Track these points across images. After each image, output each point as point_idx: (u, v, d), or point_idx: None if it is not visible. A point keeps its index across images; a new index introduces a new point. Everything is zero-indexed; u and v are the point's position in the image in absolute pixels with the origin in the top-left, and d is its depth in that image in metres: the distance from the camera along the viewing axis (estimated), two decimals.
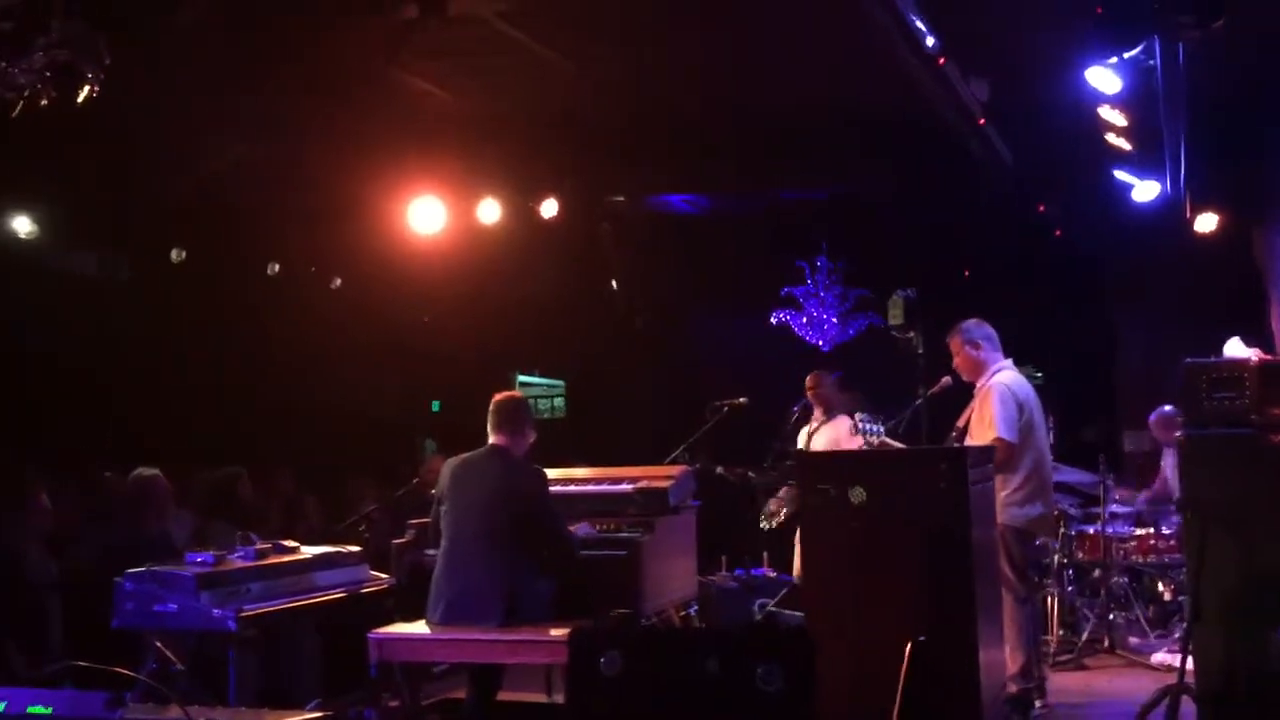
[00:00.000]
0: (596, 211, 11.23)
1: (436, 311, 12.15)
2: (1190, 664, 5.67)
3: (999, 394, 6.04)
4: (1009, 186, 9.88)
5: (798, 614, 6.86)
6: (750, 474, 8.75)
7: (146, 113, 7.30)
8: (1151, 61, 6.06)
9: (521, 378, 13.24)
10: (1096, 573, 8.09)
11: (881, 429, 5.64)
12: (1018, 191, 10.06)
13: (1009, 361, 6.32)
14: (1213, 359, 5.84)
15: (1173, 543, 7.85)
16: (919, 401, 5.92)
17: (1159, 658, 7.45)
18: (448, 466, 5.63)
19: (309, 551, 5.97)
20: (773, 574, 8.55)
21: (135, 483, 6.75)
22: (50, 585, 6.11)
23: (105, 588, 5.39)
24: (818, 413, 8.26)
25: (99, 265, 9.48)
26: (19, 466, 7.28)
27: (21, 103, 4.54)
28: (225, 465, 8.99)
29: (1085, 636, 7.78)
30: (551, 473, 5.83)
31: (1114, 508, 8.11)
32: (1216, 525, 5.41)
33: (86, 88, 4.72)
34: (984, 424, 6.03)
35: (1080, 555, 8.09)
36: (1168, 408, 8.60)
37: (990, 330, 6.32)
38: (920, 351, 5.68)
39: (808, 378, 8.37)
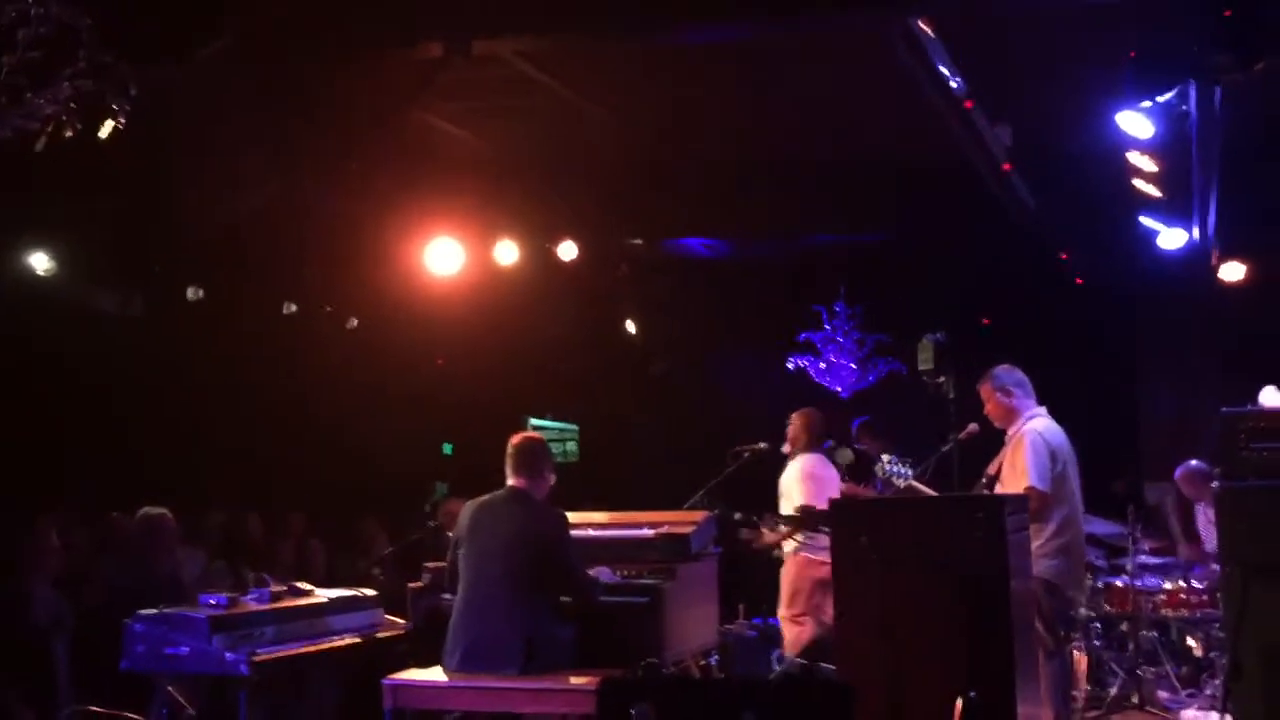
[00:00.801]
0: (615, 254, 11.18)
1: (451, 353, 12.08)
2: None
3: (1031, 442, 5.90)
4: (1032, 233, 9.82)
5: (828, 666, 6.71)
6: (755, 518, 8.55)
7: (167, 150, 7.28)
8: (1185, 106, 6.00)
9: (534, 421, 13.13)
10: (1124, 626, 7.92)
11: (910, 472, 5.53)
12: (1040, 238, 9.99)
13: (1043, 409, 6.17)
14: (1250, 408, 5.74)
15: (1204, 597, 7.67)
16: (946, 447, 5.80)
17: (1189, 715, 7.27)
18: (466, 509, 5.51)
19: (323, 594, 5.87)
20: None
21: (142, 522, 6.67)
22: (56, 626, 6.01)
23: (112, 629, 5.29)
24: (786, 448, 8.03)
25: (116, 303, 9.43)
26: (30, 505, 7.21)
27: (45, 135, 4.50)
28: (237, 505, 8.95)
29: (1114, 692, 7.59)
30: (571, 517, 5.70)
31: (1142, 559, 7.95)
32: (1257, 579, 5.28)
33: (111, 121, 4.68)
34: (1016, 472, 5.89)
35: (1108, 608, 7.92)
36: (1194, 462, 8.45)
37: (1022, 376, 6.19)
38: (951, 396, 5.56)
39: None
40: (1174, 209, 7.77)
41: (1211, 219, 7.73)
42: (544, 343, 11.76)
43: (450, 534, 5.68)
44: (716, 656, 6.46)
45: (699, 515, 6.17)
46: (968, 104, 7.08)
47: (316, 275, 10.19)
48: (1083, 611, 7.69)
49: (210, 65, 6.32)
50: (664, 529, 5.93)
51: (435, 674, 5.27)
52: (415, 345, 11.66)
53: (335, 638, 5.63)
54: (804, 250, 11.35)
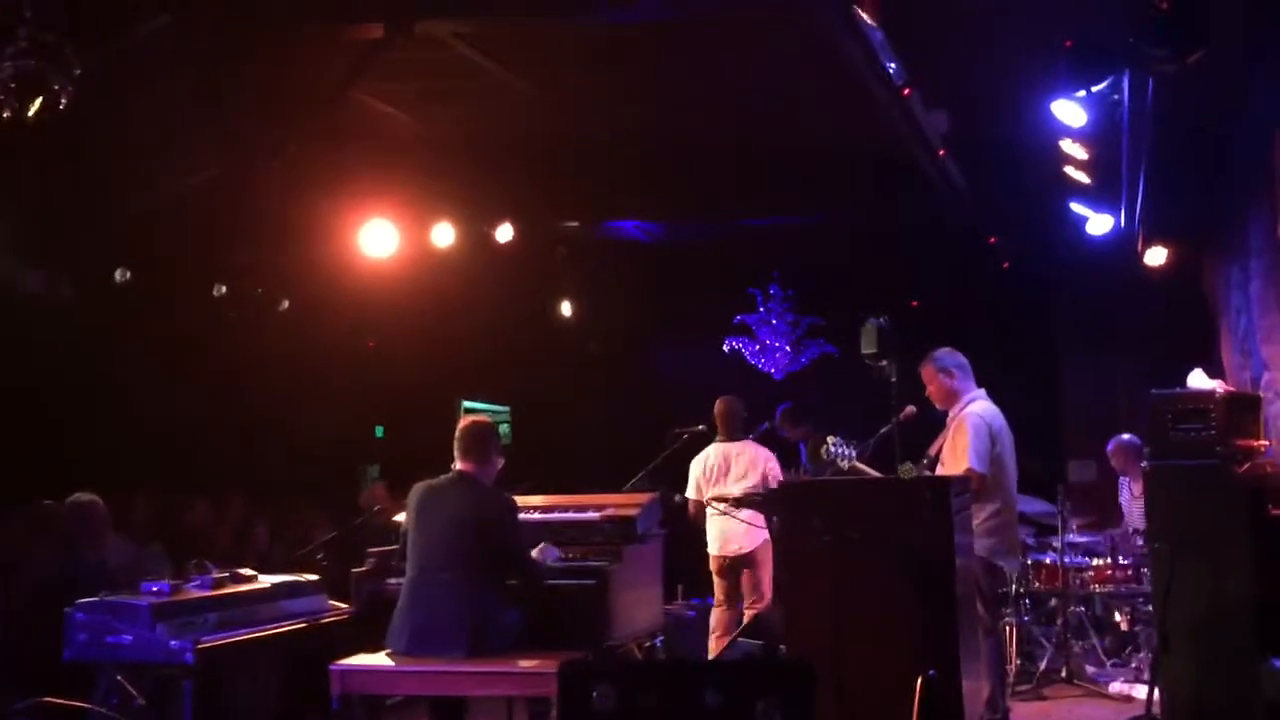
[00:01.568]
0: (551, 237, 11.15)
1: (384, 336, 11.96)
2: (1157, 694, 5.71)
3: (973, 424, 6.02)
4: (963, 217, 9.98)
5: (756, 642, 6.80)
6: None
7: (97, 128, 7.11)
8: (1116, 96, 6.14)
9: (465, 404, 13.07)
10: (1053, 602, 8.13)
11: (854, 453, 5.62)
12: (971, 222, 10.17)
13: (982, 391, 6.30)
14: (1178, 390, 5.91)
15: (1129, 572, 7.91)
16: (886, 429, 5.89)
17: (1116, 687, 7.50)
18: (414, 493, 5.49)
19: (267, 580, 5.81)
20: None
21: (72, 509, 6.54)
22: None
23: (43, 618, 5.20)
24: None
25: (46, 284, 9.20)
26: None
27: None
28: (170, 490, 8.79)
29: (1043, 666, 7.80)
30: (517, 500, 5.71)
31: (1070, 537, 8.16)
32: (1183, 555, 5.46)
33: (49, 98, 4.57)
34: (956, 454, 6.01)
35: (1037, 585, 8.13)
36: (1126, 436, 8.65)
37: (963, 359, 6.31)
38: (893, 379, 5.65)
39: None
40: (1102, 196, 7.95)
41: (1139, 205, 7.92)
42: (479, 325, 11.70)
43: (396, 518, 5.65)
44: (661, 639, 6.51)
45: (644, 497, 6.19)
46: (905, 91, 7.15)
47: (248, 257, 10.02)
48: (1014, 588, 7.89)
49: (145, 41, 6.18)
50: (609, 511, 5.95)
51: (382, 659, 5.25)
52: (348, 328, 11.53)
53: (280, 624, 5.59)
54: (739, 233, 11.42)
